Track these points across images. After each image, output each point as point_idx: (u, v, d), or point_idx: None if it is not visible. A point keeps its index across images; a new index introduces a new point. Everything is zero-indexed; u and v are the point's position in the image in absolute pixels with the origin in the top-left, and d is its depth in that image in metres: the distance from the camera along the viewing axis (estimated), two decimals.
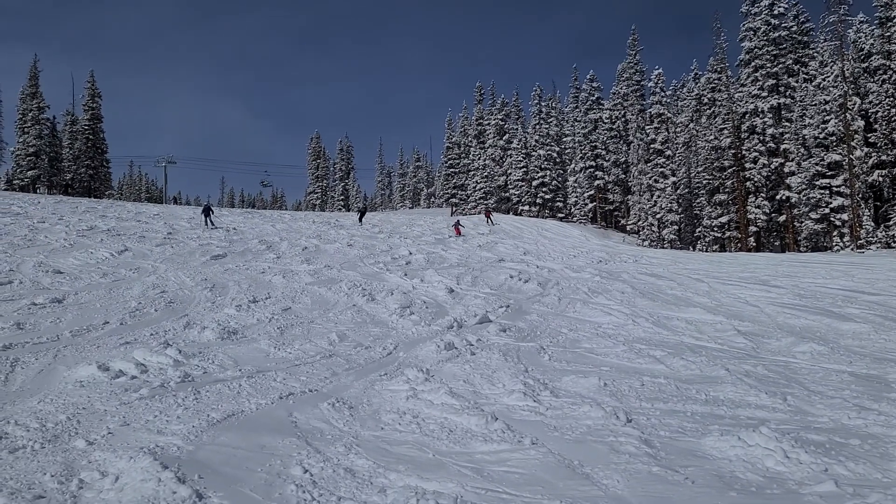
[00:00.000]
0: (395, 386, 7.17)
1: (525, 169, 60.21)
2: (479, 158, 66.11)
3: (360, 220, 40.22)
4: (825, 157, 36.24)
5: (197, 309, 11.26)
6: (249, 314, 10.93)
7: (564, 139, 65.67)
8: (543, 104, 64.32)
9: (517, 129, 65.27)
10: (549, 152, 59.86)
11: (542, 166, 59.25)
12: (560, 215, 58.48)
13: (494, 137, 66.03)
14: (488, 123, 68.21)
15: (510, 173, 61.80)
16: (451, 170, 71.74)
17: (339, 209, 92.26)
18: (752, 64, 43.56)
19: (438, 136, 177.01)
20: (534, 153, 60.00)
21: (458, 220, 38.20)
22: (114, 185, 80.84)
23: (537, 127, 61.56)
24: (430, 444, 5.36)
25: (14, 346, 7.91)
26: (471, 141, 70.82)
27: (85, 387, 6.44)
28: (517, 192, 60.47)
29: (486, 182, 64.18)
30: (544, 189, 59.16)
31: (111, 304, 11.08)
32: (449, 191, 71.83)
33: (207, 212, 29.94)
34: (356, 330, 10.43)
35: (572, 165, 61.40)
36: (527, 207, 59.02)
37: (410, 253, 22.37)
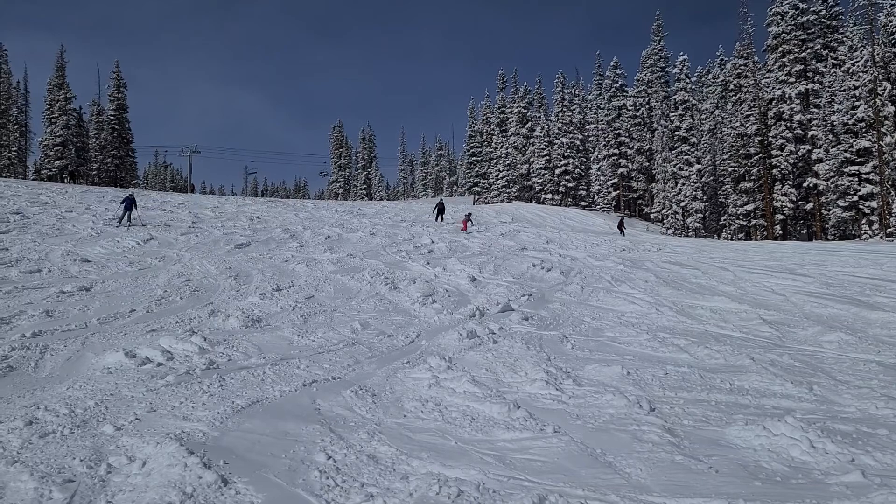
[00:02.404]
0: (417, 374, 7.20)
1: (548, 157, 59.82)
2: (501, 146, 65.80)
3: (440, 217, 32.23)
4: (854, 143, 35.54)
5: (221, 297, 11.38)
6: (273, 302, 11.03)
7: (588, 127, 65.11)
8: (566, 91, 63.76)
9: (540, 116, 64.82)
10: (572, 140, 59.40)
11: (565, 154, 58.83)
12: (583, 203, 58.09)
13: (517, 125, 65.64)
14: (511, 111, 67.80)
15: (533, 161, 61.44)
16: (474, 158, 71.49)
17: (362, 198, 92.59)
18: (780, 49, 42.77)
19: (460, 125, 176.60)
20: (556, 141, 59.59)
21: (469, 214, 31.84)
22: (139, 174, 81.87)
23: (560, 114, 61.08)
24: (452, 431, 5.38)
25: (43, 334, 8.07)
26: (493, 129, 70.50)
27: (112, 373, 6.56)
28: (540, 181, 60.14)
29: (508, 170, 63.91)
30: (567, 177, 58.77)
31: (137, 293, 11.25)
32: (471, 179, 71.62)
33: (130, 204, 21.95)
34: (379, 318, 10.47)
35: (595, 153, 60.91)
36: (549, 196, 58.70)
37: (433, 241, 22.37)
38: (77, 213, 24.33)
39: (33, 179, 58.87)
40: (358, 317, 10.37)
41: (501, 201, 60.72)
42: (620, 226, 37.10)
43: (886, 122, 34.79)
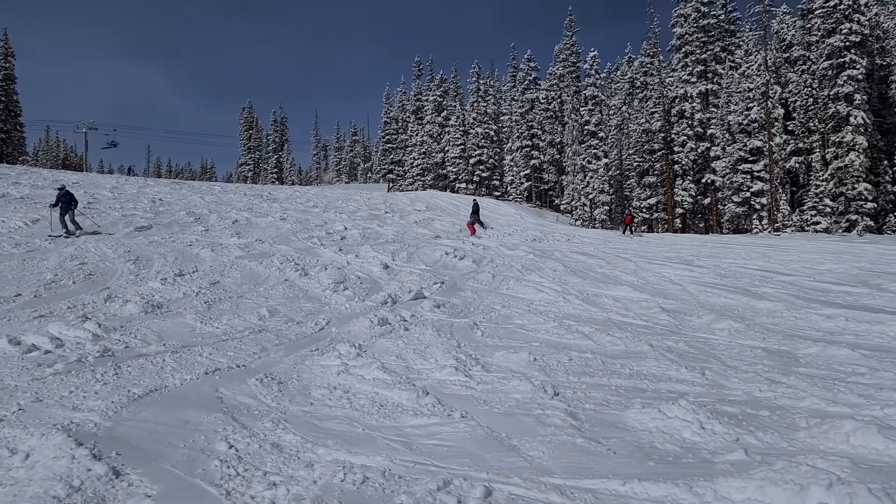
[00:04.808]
0: (326, 361, 7.11)
1: (462, 146, 60.24)
2: (416, 135, 65.72)
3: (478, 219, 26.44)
4: (748, 142, 37.75)
5: (119, 282, 10.82)
6: (175, 288, 10.58)
7: (502, 118, 66.01)
8: (482, 82, 64.38)
9: (455, 106, 65.13)
10: (486, 130, 60.06)
11: (480, 144, 59.42)
12: (496, 194, 58.92)
13: (433, 114, 65.71)
14: (427, 99, 67.79)
15: (448, 150, 61.71)
16: (389, 145, 71.12)
17: (273, 182, 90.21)
18: (683, 49, 44.77)
19: (376, 111, 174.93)
20: (471, 131, 60.08)
21: (478, 215, 26.25)
22: (28, 150, 76.48)
23: (475, 105, 61.62)
24: (359, 418, 5.35)
25: None
26: (409, 116, 70.33)
27: None
28: (454, 170, 60.51)
29: (423, 158, 63.94)
30: (481, 167, 59.41)
31: (24, 276, 10.52)
32: (386, 166, 71.26)
33: (67, 203, 16.03)
34: (288, 305, 10.26)
35: (509, 144, 61.86)
36: (464, 185, 59.18)
37: (346, 228, 22.11)
38: None
39: None
40: (266, 303, 10.12)
41: (416, 189, 60.70)
42: (629, 221, 34.20)
43: (776, 123, 37.15)
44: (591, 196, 47.00)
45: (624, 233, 32.65)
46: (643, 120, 46.17)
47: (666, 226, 44.49)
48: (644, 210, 45.54)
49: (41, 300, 9.10)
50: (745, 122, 37.87)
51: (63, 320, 7.74)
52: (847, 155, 34.48)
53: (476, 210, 26.75)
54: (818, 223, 35.09)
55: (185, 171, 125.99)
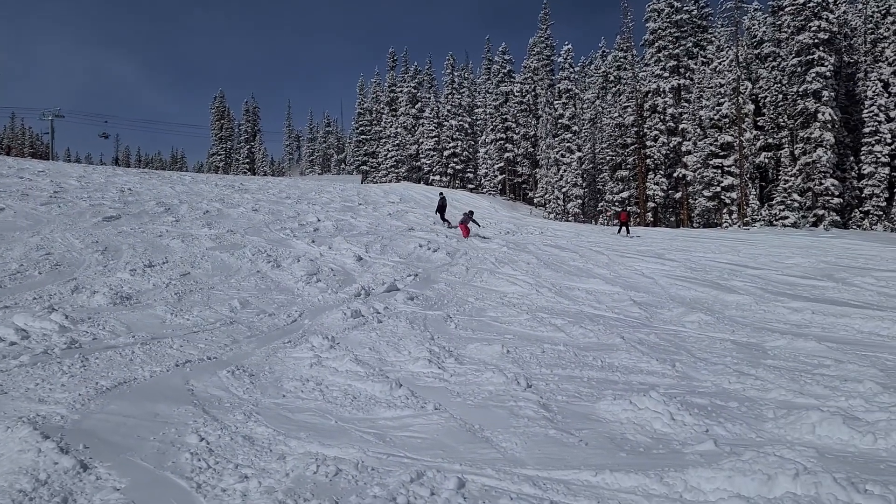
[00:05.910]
0: (298, 353, 7.06)
1: (437, 138, 60.13)
2: (390, 126, 65.42)
3: (444, 218, 25.72)
4: (718, 137, 38.28)
5: (87, 272, 10.61)
6: (145, 279, 10.41)
7: (476, 110, 65.97)
8: (456, 74, 64.19)
9: (430, 97, 64.90)
10: (460, 123, 60.00)
11: (454, 136, 59.36)
12: (470, 186, 58.96)
13: (407, 105, 65.45)
14: (401, 91, 67.48)
15: (422, 142, 61.55)
16: (363, 136, 70.72)
17: (245, 172, 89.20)
18: (656, 44, 45.16)
19: (350, 102, 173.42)
20: (446, 123, 59.98)
21: (471, 213, 23.08)
22: None
23: (450, 97, 61.46)
24: (332, 410, 5.33)
25: None
26: (383, 108, 69.94)
27: None
28: (428, 162, 60.40)
29: (397, 150, 63.70)
30: (455, 159, 59.37)
31: None
32: (360, 158, 70.88)
33: None
34: (260, 297, 10.16)
35: (483, 137, 61.87)
36: (438, 177, 59.10)
37: (319, 219, 21.95)
38: None
39: None
40: (237, 295, 10.01)
41: (390, 181, 60.48)
42: (625, 218, 28.97)
43: (747, 119, 37.75)
44: (564, 189, 47.25)
45: (619, 231, 28.56)
46: (616, 114, 46.52)
47: (638, 219, 44.95)
48: (617, 203, 45.94)
49: (6, 291, 8.88)
50: (716, 118, 38.39)
51: (29, 311, 7.56)
52: (815, 151, 35.15)
53: (442, 207, 25.95)
54: (786, 218, 35.77)
55: (154, 161, 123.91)
